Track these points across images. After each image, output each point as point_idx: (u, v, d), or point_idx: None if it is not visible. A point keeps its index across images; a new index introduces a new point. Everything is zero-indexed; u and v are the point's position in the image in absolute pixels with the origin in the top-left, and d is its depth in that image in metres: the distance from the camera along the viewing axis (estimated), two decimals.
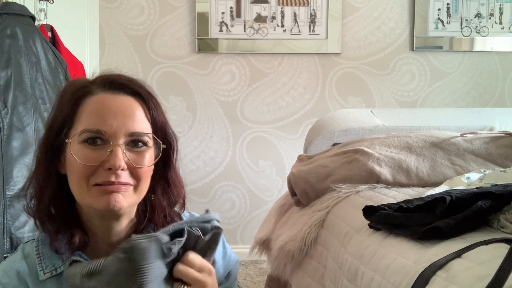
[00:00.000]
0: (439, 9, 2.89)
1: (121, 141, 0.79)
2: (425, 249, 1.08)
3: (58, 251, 0.83)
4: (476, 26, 2.91)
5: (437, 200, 1.15)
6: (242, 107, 2.91)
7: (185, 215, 0.96)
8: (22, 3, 1.76)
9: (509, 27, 2.93)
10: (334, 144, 2.01)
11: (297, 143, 2.91)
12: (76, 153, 0.79)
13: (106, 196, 0.79)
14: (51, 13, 2.00)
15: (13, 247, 1.46)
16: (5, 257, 1.45)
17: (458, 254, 0.99)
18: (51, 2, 1.98)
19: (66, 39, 2.05)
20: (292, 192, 1.84)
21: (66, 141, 0.81)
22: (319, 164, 1.79)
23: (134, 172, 0.81)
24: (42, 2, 1.97)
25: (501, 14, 2.92)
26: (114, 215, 0.83)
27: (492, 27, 2.92)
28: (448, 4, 2.89)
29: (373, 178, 1.67)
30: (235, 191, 2.94)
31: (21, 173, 1.50)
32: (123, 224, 0.86)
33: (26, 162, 1.52)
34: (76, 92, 0.82)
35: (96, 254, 0.86)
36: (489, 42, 2.93)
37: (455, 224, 1.09)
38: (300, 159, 1.98)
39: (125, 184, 0.80)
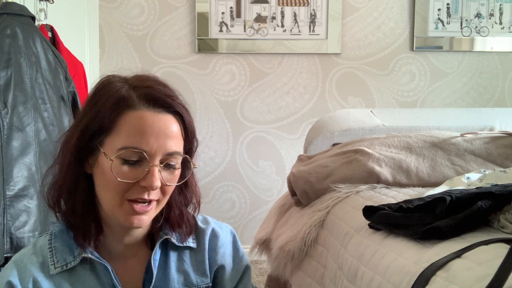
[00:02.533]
0: (439, 9, 2.89)
1: (158, 160, 0.82)
2: (425, 249, 1.08)
3: (78, 244, 0.85)
4: (476, 26, 2.91)
5: (437, 200, 1.15)
6: (242, 107, 2.91)
7: (199, 219, 0.98)
8: (22, 3, 1.76)
9: (509, 27, 2.93)
10: (334, 144, 2.01)
11: (297, 143, 2.91)
12: (114, 169, 0.80)
13: (133, 216, 0.82)
14: (51, 13, 2.00)
15: (13, 247, 1.46)
16: (6, 258, 1.45)
17: (458, 254, 0.99)
18: (51, 2, 1.98)
19: (66, 39, 2.05)
20: (292, 192, 1.84)
21: (103, 151, 0.82)
22: (319, 164, 1.79)
23: (163, 189, 0.84)
24: (42, 2, 1.97)
25: (501, 14, 2.92)
26: (136, 228, 0.87)
27: (492, 27, 2.92)
28: (448, 4, 2.89)
29: (373, 178, 1.67)
30: (235, 191, 2.94)
31: (21, 173, 1.50)
32: (142, 229, 0.90)
33: (26, 162, 1.52)
34: (118, 102, 0.82)
35: (107, 251, 0.88)
36: (489, 42, 2.93)
37: (455, 224, 1.09)
38: (300, 159, 1.98)
39: (152, 201, 0.83)
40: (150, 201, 0.83)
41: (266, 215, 2.18)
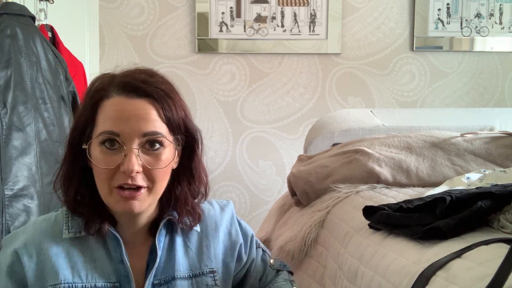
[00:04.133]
0: (439, 9, 2.89)
1: (135, 144, 0.82)
2: (425, 249, 1.08)
3: (90, 231, 0.87)
4: (476, 26, 2.91)
5: (437, 200, 1.15)
6: (242, 107, 2.91)
7: (205, 207, 0.99)
8: (22, 3, 1.76)
9: (509, 27, 2.93)
10: (334, 144, 2.01)
11: (297, 143, 2.91)
12: (95, 156, 0.83)
13: (124, 202, 0.83)
14: (51, 13, 1.99)
15: None
16: None
17: (458, 254, 0.99)
18: (51, 2, 1.98)
19: (66, 39, 2.05)
20: (292, 192, 1.84)
21: (88, 142, 0.85)
22: (319, 164, 1.79)
23: (149, 174, 0.84)
24: (42, 2, 1.97)
25: (501, 14, 2.92)
26: (134, 215, 0.88)
27: (492, 27, 2.92)
28: (448, 4, 2.89)
29: (373, 178, 1.67)
30: (235, 191, 2.94)
31: (20, 173, 1.50)
32: (144, 217, 0.90)
33: (27, 162, 1.52)
34: (95, 95, 0.85)
35: (122, 235, 0.90)
36: (489, 42, 2.93)
37: (455, 224, 1.09)
38: (300, 159, 1.98)
39: (140, 187, 0.83)
40: (139, 187, 0.83)
41: (266, 215, 2.18)
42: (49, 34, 1.96)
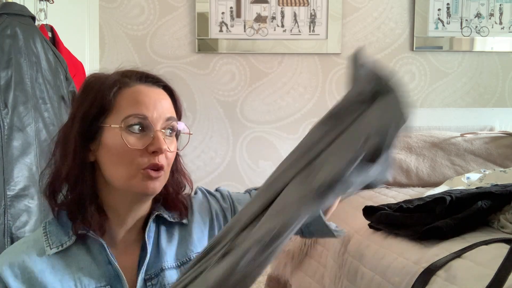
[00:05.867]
0: (439, 9, 2.89)
1: (160, 126, 0.88)
2: (425, 249, 1.08)
3: (78, 232, 0.87)
4: (476, 26, 2.91)
5: (437, 200, 1.15)
6: (242, 107, 2.91)
7: (195, 198, 1.02)
8: (22, 3, 1.76)
9: (509, 27, 2.93)
10: None
11: (297, 143, 2.91)
12: (118, 140, 0.85)
13: (149, 182, 0.86)
14: (51, 13, 1.99)
15: None
16: None
17: (458, 254, 0.99)
18: (51, 2, 1.98)
19: (66, 39, 2.05)
20: None
21: (105, 126, 0.86)
22: None
23: (166, 156, 0.89)
24: (42, 2, 1.97)
25: (501, 14, 2.92)
26: (148, 197, 0.91)
27: (492, 27, 2.92)
28: (448, 4, 2.89)
29: None
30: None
31: (21, 173, 1.50)
32: (147, 205, 0.93)
33: (27, 162, 1.52)
34: (113, 84, 0.88)
35: (109, 237, 0.90)
36: (489, 42, 2.93)
37: (455, 224, 1.09)
38: None
39: (163, 166, 0.88)
40: (160, 167, 0.87)
41: None
42: (49, 34, 1.96)
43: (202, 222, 0.99)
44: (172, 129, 0.91)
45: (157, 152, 0.86)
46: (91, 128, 0.87)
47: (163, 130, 0.88)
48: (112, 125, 0.86)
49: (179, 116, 0.94)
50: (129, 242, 0.92)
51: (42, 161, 1.58)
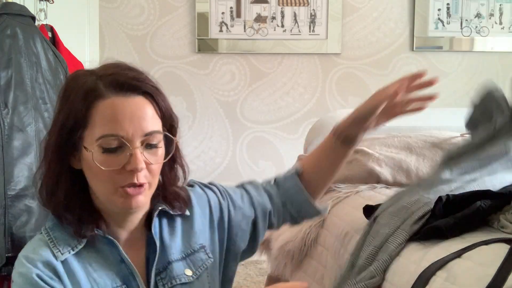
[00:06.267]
0: (439, 9, 2.89)
1: (138, 142, 0.83)
2: (425, 249, 1.08)
3: (83, 234, 0.85)
4: (476, 26, 2.91)
5: (435, 200, 1.15)
6: (242, 107, 2.91)
7: (192, 190, 1.00)
8: (22, 3, 1.76)
9: (509, 27, 2.93)
10: None
11: (297, 143, 2.91)
12: (97, 159, 0.82)
13: (129, 200, 0.83)
14: (51, 13, 1.99)
15: (15, 246, 1.46)
16: (7, 257, 1.45)
17: (458, 254, 0.99)
18: (51, 2, 1.98)
19: (66, 39, 2.05)
20: None
21: (83, 145, 0.83)
22: None
23: (149, 169, 0.85)
24: (42, 2, 1.97)
25: (501, 14, 2.92)
26: (135, 211, 0.88)
27: (492, 27, 2.92)
28: (448, 4, 2.89)
29: (373, 178, 1.68)
30: None
31: (22, 173, 1.51)
32: (141, 213, 0.91)
33: (27, 162, 1.52)
34: (87, 94, 0.83)
35: (117, 235, 0.89)
36: (489, 42, 2.93)
37: (455, 223, 1.09)
38: (300, 159, 1.98)
39: (144, 184, 0.84)
40: (140, 185, 0.84)
41: None
42: (49, 34, 1.96)
43: (202, 214, 0.98)
44: (153, 144, 0.85)
45: (133, 171, 0.82)
46: (69, 140, 0.84)
47: (142, 146, 0.83)
48: (86, 145, 0.83)
49: (166, 119, 0.88)
50: (134, 240, 0.91)
51: None
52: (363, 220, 1.35)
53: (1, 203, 1.45)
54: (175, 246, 0.93)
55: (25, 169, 1.52)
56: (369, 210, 1.33)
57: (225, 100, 2.90)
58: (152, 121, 0.85)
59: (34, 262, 0.83)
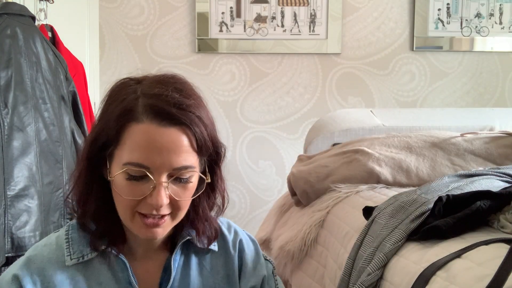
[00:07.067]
0: (439, 9, 2.89)
1: (164, 177, 0.78)
2: (425, 249, 1.08)
3: (97, 248, 0.84)
4: (476, 26, 2.91)
5: (435, 200, 1.15)
6: (242, 107, 2.91)
7: (222, 222, 0.95)
8: (22, 3, 1.76)
9: (509, 27, 2.93)
10: (334, 144, 2.01)
11: (297, 143, 2.91)
12: (119, 183, 0.79)
13: (146, 229, 0.80)
14: (51, 13, 1.99)
15: (14, 247, 1.46)
16: (7, 258, 1.45)
17: (458, 254, 0.99)
18: (51, 2, 1.98)
19: (66, 39, 2.05)
20: (292, 192, 1.84)
21: (111, 163, 0.81)
22: (319, 164, 1.79)
23: (175, 203, 0.81)
24: (42, 2, 1.97)
25: (501, 14, 2.92)
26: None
27: (492, 27, 2.92)
28: (448, 4, 2.89)
29: (373, 178, 1.68)
30: (235, 191, 2.94)
31: (21, 173, 1.50)
32: (160, 238, 0.88)
33: (27, 162, 1.52)
34: (123, 113, 0.79)
35: (128, 250, 0.87)
36: (489, 42, 2.93)
37: (455, 223, 1.09)
38: (300, 159, 1.98)
39: (165, 216, 0.81)
40: (162, 215, 0.80)
41: (266, 215, 2.18)
42: (49, 34, 1.96)
43: (231, 263, 0.92)
44: (183, 178, 0.80)
45: (153, 205, 0.78)
46: (100, 153, 0.81)
47: (170, 180, 0.78)
48: (115, 165, 0.80)
49: (204, 151, 0.82)
50: (151, 259, 0.88)
51: (42, 161, 1.58)
52: (363, 220, 1.35)
53: (1, 203, 1.45)
54: (199, 284, 0.89)
55: (25, 169, 1.51)
56: (369, 211, 1.33)
57: (225, 100, 2.90)
58: (185, 155, 0.79)
59: (28, 263, 0.82)
